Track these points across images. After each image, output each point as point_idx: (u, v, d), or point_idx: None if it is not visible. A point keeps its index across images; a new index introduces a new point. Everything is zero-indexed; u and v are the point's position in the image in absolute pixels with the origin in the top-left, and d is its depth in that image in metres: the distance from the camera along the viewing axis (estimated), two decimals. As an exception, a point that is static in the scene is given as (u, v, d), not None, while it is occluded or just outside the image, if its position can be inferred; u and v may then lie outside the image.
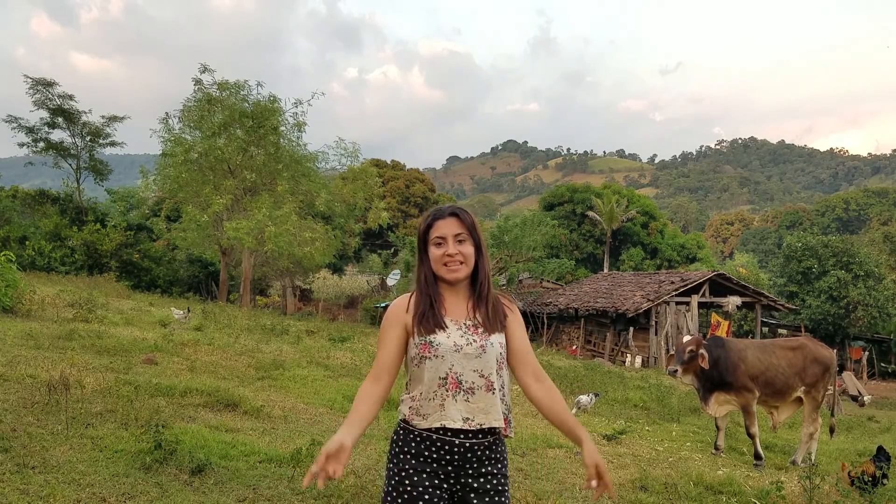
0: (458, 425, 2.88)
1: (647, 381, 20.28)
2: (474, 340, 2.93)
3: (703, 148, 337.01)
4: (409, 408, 2.97)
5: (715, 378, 10.22)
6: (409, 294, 3.12)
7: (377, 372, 3.03)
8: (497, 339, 2.98)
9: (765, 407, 10.77)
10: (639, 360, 29.99)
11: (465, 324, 2.98)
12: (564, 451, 9.15)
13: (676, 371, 10.17)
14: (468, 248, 3.01)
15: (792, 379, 10.32)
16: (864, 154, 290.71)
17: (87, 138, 42.92)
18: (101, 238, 35.64)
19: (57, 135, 42.30)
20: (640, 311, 31.29)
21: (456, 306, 3.03)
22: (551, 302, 38.17)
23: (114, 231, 36.85)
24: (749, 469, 9.62)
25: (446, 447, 2.89)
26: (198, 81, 32.36)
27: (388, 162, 63.15)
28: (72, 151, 42.82)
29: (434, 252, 3.00)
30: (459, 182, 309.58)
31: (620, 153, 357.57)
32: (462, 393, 2.90)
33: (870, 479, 7.88)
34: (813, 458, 10.42)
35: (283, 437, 7.90)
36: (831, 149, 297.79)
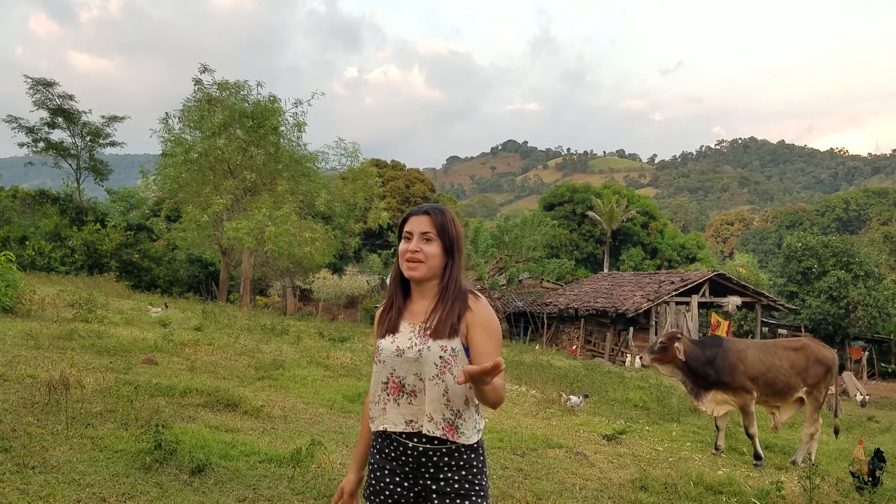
0: (399, 428, 2.86)
1: (647, 381, 20.28)
2: (415, 344, 2.86)
3: (703, 148, 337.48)
4: (369, 410, 3.02)
5: (711, 377, 10.25)
6: None
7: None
8: (441, 343, 2.83)
9: (766, 407, 10.77)
10: (639, 360, 29.97)
11: (419, 326, 2.91)
12: (564, 451, 9.15)
13: (644, 359, 10.64)
14: (432, 248, 2.92)
15: (794, 379, 10.33)
16: (864, 154, 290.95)
17: (87, 138, 42.96)
18: (101, 238, 35.63)
19: (57, 135, 42.41)
20: (640, 311, 31.32)
21: (420, 307, 2.97)
22: (551, 302, 38.19)
23: (114, 231, 36.85)
24: (749, 469, 9.62)
25: (400, 448, 2.87)
26: (198, 81, 32.36)
27: (388, 162, 63.09)
28: (72, 151, 42.84)
29: (401, 246, 2.97)
30: (459, 182, 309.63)
31: (620, 153, 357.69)
32: (405, 396, 2.86)
33: (868, 479, 7.89)
34: (813, 458, 10.43)
35: (283, 437, 7.90)
36: (831, 149, 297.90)
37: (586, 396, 13.93)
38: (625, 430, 11.14)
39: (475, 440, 2.89)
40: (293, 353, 15.33)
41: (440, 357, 2.82)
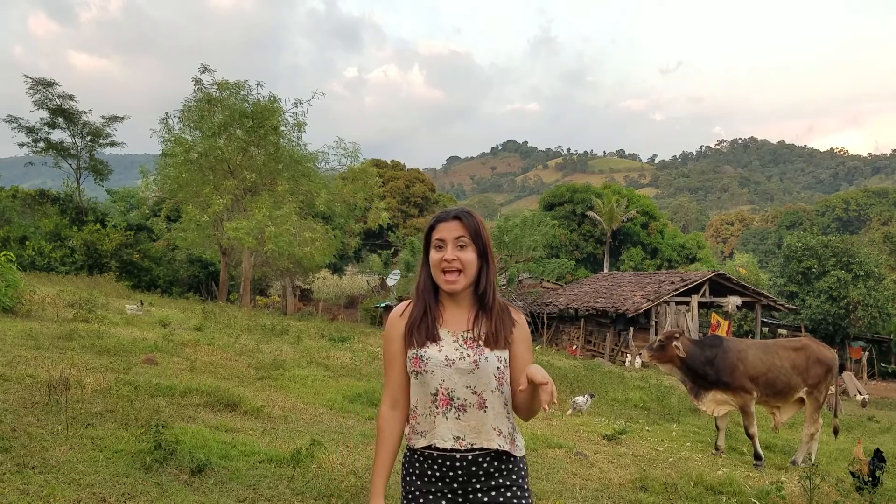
0: (448, 444, 2.72)
1: (647, 381, 20.28)
2: (468, 355, 2.73)
3: (703, 148, 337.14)
4: (409, 426, 2.85)
5: (710, 376, 10.25)
6: (409, 300, 2.97)
7: (392, 395, 2.89)
8: (497, 354, 2.76)
9: (766, 407, 10.77)
10: (639, 360, 29.95)
11: (462, 336, 2.79)
12: (564, 451, 9.16)
13: (643, 357, 10.70)
14: (468, 255, 2.78)
15: (794, 379, 10.33)
16: (864, 154, 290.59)
17: (87, 138, 42.99)
18: (101, 238, 35.64)
19: (57, 135, 42.47)
20: (640, 311, 31.29)
21: (456, 316, 2.84)
22: (551, 302, 38.17)
23: (114, 231, 36.86)
24: (749, 469, 9.62)
25: (448, 463, 2.72)
26: (198, 81, 32.37)
27: (388, 162, 63.11)
28: (72, 151, 42.88)
29: (433, 256, 2.81)
30: (459, 182, 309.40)
31: (620, 153, 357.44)
32: (453, 410, 2.73)
33: (868, 479, 7.89)
34: (813, 458, 10.42)
35: (283, 437, 7.90)
36: (831, 149, 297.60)
37: (592, 396, 13.92)
38: (625, 430, 11.15)
39: (523, 452, 2.86)
40: (293, 354, 15.34)
41: (498, 368, 2.75)
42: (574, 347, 34.27)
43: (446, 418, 2.73)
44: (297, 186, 33.95)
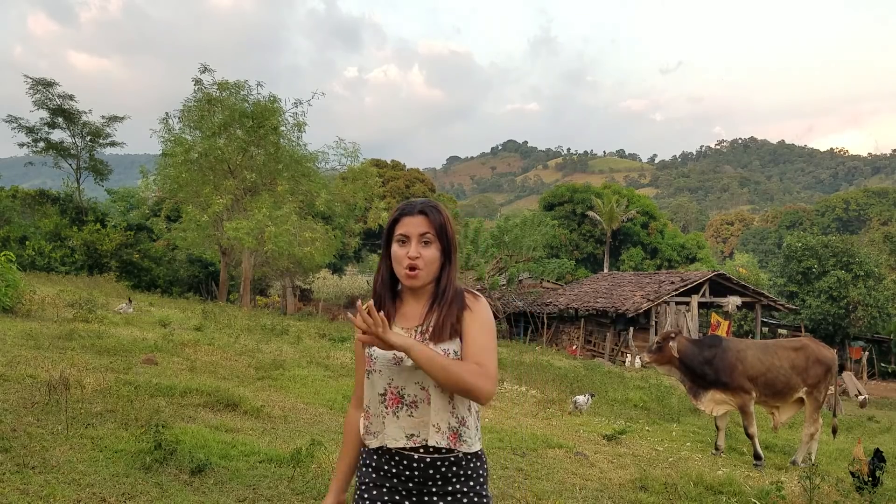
0: (400, 444, 2.63)
1: (647, 381, 20.28)
2: None
3: (703, 148, 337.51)
4: (363, 426, 2.77)
5: (709, 376, 10.28)
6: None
7: (358, 396, 2.85)
8: (444, 347, 2.63)
9: (766, 407, 10.78)
10: (639, 360, 29.95)
11: (415, 330, 2.70)
12: (564, 451, 9.16)
13: (643, 359, 10.84)
14: (431, 252, 2.69)
15: (794, 380, 10.34)
16: (864, 154, 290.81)
17: (87, 138, 43.03)
18: (101, 238, 35.65)
19: (57, 135, 42.52)
20: (640, 311, 31.34)
21: (414, 310, 2.76)
22: (551, 302, 38.21)
23: (114, 231, 36.88)
24: (749, 469, 9.62)
25: (404, 462, 2.64)
26: (198, 81, 32.37)
27: (388, 162, 63.07)
28: (72, 151, 42.91)
29: (396, 251, 2.71)
30: (459, 182, 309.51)
31: (620, 153, 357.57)
32: (405, 408, 2.63)
33: (868, 479, 7.90)
34: (813, 458, 10.43)
35: (283, 437, 7.90)
36: (831, 149, 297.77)
37: (593, 395, 13.93)
38: (625, 430, 11.15)
39: (478, 447, 2.73)
40: (293, 353, 15.34)
41: None
42: (574, 347, 34.30)
43: (397, 417, 2.64)
44: (297, 186, 33.96)
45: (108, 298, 21.58)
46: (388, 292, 2.80)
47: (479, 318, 2.72)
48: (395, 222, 2.74)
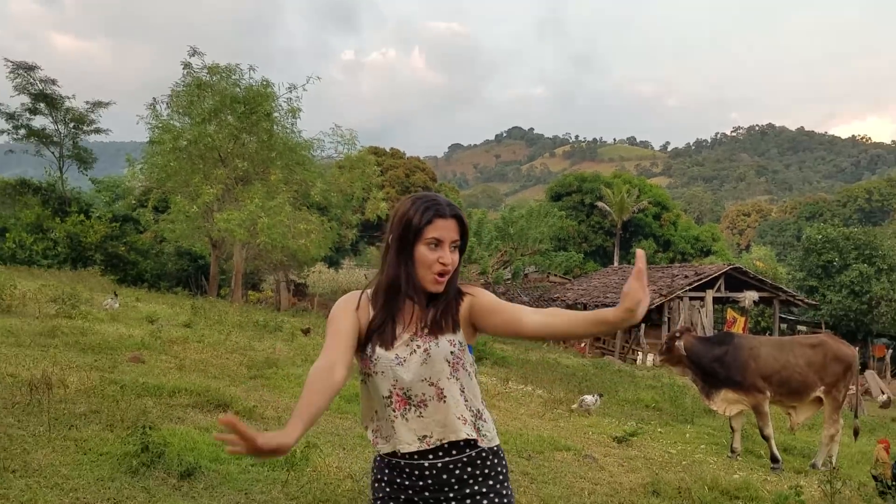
0: (413, 447, 2.61)
1: (659, 380, 20.30)
2: (418, 346, 2.63)
3: (719, 135, 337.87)
4: (372, 431, 2.74)
5: (720, 375, 10.29)
6: (360, 292, 2.80)
7: (330, 358, 2.59)
8: (448, 338, 2.64)
9: (782, 407, 10.80)
10: (650, 358, 29.96)
11: (413, 328, 2.67)
12: (572, 453, 9.16)
13: (654, 361, 10.97)
14: (457, 257, 2.70)
15: (810, 378, 10.34)
16: (888, 142, 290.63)
17: (71, 125, 42.89)
18: (85, 230, 35.65)
19: (39, 121, 42.25)
20: (653, 306, 31.32)
21: (410, 311, 2.71)
22: (559, 297, 38.25)
23: (98, 222, 36.86)
24: (766, 472, 9.63)
25: (416, 471, 2.63)
26: (187, 65, 32.27)
27: (387, 150, 62.99)
28: (54, 139, 42.79)
29: (426, 255, 2.64)
30: (462, 171, 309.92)
31: (631, 140, 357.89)
32: (413, 408, 2.62)
33: (892, 482, 7.90)
34: (834, 461, 10.43)
35: (276, 440, 7.88)
36: (853, 136, 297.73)
37: (601, 396, 13.94)
38: (636, 431, 11.15)
39: (497, 442, 2.74)
40: (287, 351, 15.34)
41: (451, 352, 2.64)
42: (583, 345, 34.31)
43: (406, 419, 2.63)
44: (292, 175, 33.90)
45: (93, 293, 21.58)
46: (405, 300, 2.70)
47: (483, 294, 2.75)
48: (428, 223, 2.65)
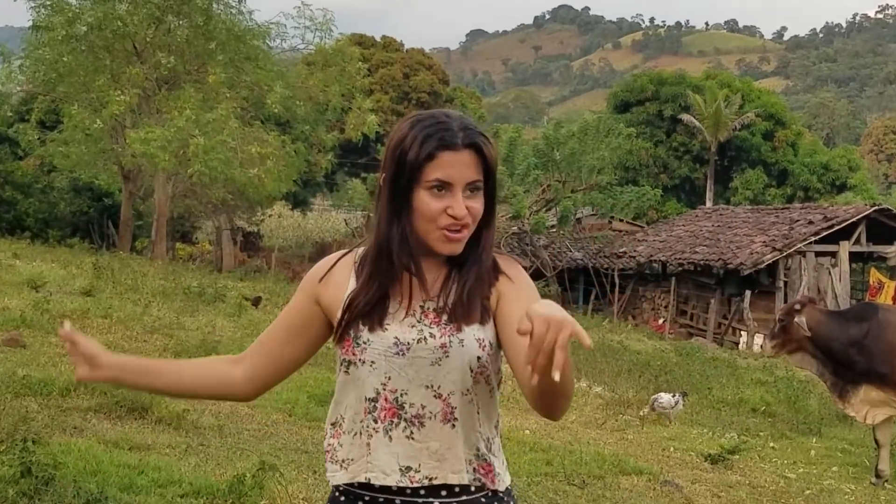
0: (390, 480, 2.43)
1: (771, 372, 20.27)
2: (432, 335, 2.42)
3: (858, 18, 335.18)
4: (327, 447, 2.58)
5: (859, 365, 10.19)
6: (340, 254, 2.69)
7: (251, 350, 2.67)
8: (475, 333, 2.42)
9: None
10: (759, 341, 29.86)
11: (421, 307, 2.48)
12: (646, 478, 9.16)
13: (765, 349, 10.83)
14: (479, 204, 2.45)
15: None
16: None
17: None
18: (-62, 155, 35.75)
19: None
20: (762, 265, 31.26)
21: (408, 286, 2.51)
22: (626, 252, 38.24)
23: (-42, 144, 36.94)
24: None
25: None
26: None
27: (378, 39, 62.92)
28: None
29: (429, 204, 2.41)
30: (486, 69, 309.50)
31: (731, 25, 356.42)
32: (403, 424, 2.43)
33: None
34: None
35: (216, 459, 7.89)
36: None
37: (684, 395, 13.89)
38: (738, 447, 11.13)
39: (508, 482, 2.57)
40: (232, 331, 15.38)
41: (477, 358, 2.42)
42: (661, 321, 34.35)
43: (389, 438, 2.44)
44: (239, 76, 33.85)
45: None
46: (414, 261, 2.49)
47: (520, 278, 2.55)
48: (428, 158, 2.42)
